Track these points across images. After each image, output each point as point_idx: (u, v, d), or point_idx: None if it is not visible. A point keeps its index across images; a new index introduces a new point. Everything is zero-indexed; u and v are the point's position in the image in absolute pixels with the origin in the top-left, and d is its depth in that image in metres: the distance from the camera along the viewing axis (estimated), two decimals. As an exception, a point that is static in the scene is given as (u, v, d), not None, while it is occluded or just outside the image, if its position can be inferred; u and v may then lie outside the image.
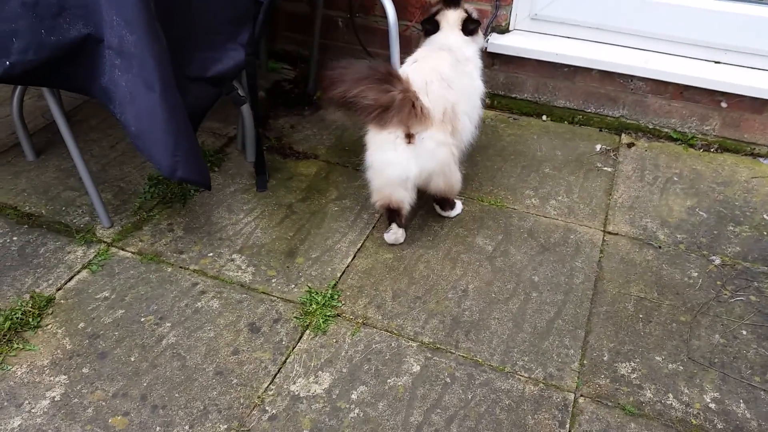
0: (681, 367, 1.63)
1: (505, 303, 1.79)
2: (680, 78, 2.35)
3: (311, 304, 1.77)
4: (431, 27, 1.98)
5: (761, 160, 2.39)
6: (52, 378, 1.57)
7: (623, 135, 2.52)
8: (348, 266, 1.90)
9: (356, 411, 1.51)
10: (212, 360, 1.62)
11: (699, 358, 1.65)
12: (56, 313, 1.73)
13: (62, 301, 1.76)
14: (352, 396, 1.54)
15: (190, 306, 1.76)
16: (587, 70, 2.47)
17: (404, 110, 1.72)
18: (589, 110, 2.57)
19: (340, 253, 1.94)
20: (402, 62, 1.99)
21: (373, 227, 2.04)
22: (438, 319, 1.74)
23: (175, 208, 2.10)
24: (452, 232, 2.03)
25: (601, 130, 2.55)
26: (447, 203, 2.05)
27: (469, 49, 1.98)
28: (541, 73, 2.54)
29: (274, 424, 1.48)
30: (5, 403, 1.51)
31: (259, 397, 1.54)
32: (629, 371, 1.61)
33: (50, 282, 1.82)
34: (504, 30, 2.53)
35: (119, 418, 1.49)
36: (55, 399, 1.52)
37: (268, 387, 1.56)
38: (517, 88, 2.61)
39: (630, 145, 2.46)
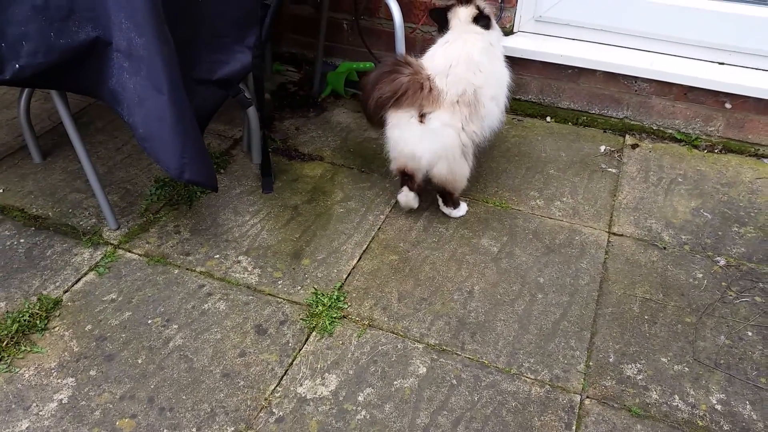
0: (687, 369, 1.63)
1: (511, 304, 1.80)
2: (684, 79, 2.35)
3: (317, 306, 1.77)
4: (441, 23, 1.99)
5: (765, 161, 2.39)
6: (59, 380, 1.57)
7: (627, 136, 2.52)
8: (354, 268, 1.91)
9: (363, 413, 1.51)
10: (219, 362, 1.62)
11: (704, 359, 1.65)
12: (63, 315, 1.74)
13: (69, 304, 1.77)
14: (359, 398, 1.54)
15: (197, 308, 1.77)
16: (591, 72, 2.48)
17: (411, 91, 1.80)
18: (594, 111, 2.57)
19: (345, 255, 1.95)
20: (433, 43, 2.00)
21: (379, 229, 2.05)
22: (444, 320, 1.75)
23: (182, 210, 2.10)
24: (457, 234, 2.04)
25: (605, 132, 2.55)
26: (450, 198, 2.05)
27: (493, 35, 2.00)
28: (545, 75, 2.55)
29: (281, 427, 1.48)
30: (13, 406, 1.51)
31: (266, 399, 1.54)
32: (635, 372, 1.62)
33: (57, 284, 1.82)
34: (508, 32, 2.54)
35: (127, 420, 1.49)
36: (63, 401, 1.53)
37: (275, 389, 1.56)
38: (521, 90, 2.62)
39: (634, 146, 2.46)
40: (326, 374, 1.60)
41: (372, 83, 1.83)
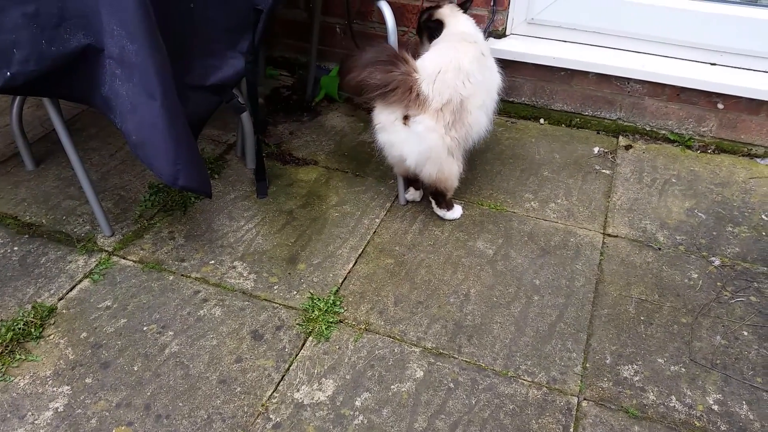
0: (683, 369, 1.63)
1: (507, 307, 1.80)
2: (677, 80, 2.36)
3: (313, 311, 1.77)
4: (434, 26, 2.02)
5: (758, 160, 2.40)
6: (54, 389, 1.56)
7: (621, 137, 2.53)
8: (349, 272, 1.91)
9: (360, 418, 1.51)
10: (215, 368, 1.62)
11: (701, 359, 1.66)
12: (58, 323, 1.73)
13: (64, 311, 1.76)
14: (356, 403, 1.54)
15: (192, 314, 1.76)
16: (584, 74, 2.48)
17: (399, 91, 1.80)
18: (587, 113, 2.58)
19: (341, 259, 1.95)
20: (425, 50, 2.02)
21: (374, 232, 2.04)
22: (440, 324, 1.75)
23: (176, 216, 2.10)
24: (453, 237, 2.04)
25: (598, 133, 2.56)
26: (442, 200, 2.05)
27: (485, 45, 2.02)
28: (538, 77, 2.56)
29: (278, 432, 1.48)
30: (8, 415, 1.50)
31: (263, 405, 1.54)
32: (632, 374, 1.62)
33: (52, 292, 1.81)
34: (501, 35, 2.54)
35: (123, 428, 1.49)
36: (59, 410, 1.52)
37: (271, 395, 1.56)
38: (514, 92, 2.62)
39: (628, 147, 2.47)
40: (323, 379, 1.60)
41: (364, 63, 1.82)
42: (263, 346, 1.68)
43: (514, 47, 2.50)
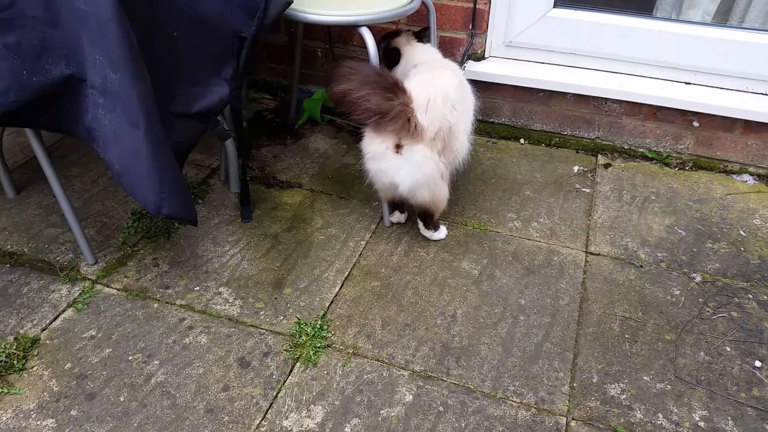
0: (669, 386, 1.65)
1: (494, 327, 1.81)
2: (653, 99, 2.41)
3: (301, 336, 1.76)
4: (394, 56, 2.11)
5: (734, 176, 2.45)
6: (39, 422, 1.54)
7: (600, 156, 2.57)
8: (336, 295, 1.91)
9: (350, 443, 1.51)
10: (202, 397, 1.60)
11: (686, 376, 1.68)
12: (42, 354, 1.70)
13: (48, 342, 1.74)
14: (346, 429, 1.53)
15: (178, 342, 1.75)
16: (562, 94, 2.53)
17: (399, 122, 1.80)
18: (566, 133, 2.62)
19: (327, 283, 1.95)
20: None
21: (360, 255, 2.05)
22: (428, 346, 1.75)
23: (160, 242, 2.09)
24: (438, 257, 2.05)
25: (577, 152, 2.60)
26: (431, 221, 2.06)
27: (461, 74, 2.08)
28: (517, 98, 2.59)
29: (268, 461, 1.47)
30: (-9, 451, 1.48)
31: (252, 434, 1.53)
32: (618, 392, 1.63)
33: (35, 322, 1.79)
34: (480, 57, 2.58)
35: (110, 460, 1.46)
36: (43, 444, 1.49)
37: (260, 423, 1.55)
38: (494, 113, 2.66)
39: (607, 166, 2.51)
40: (312, 406, 1.59)
41: (361, 81, 1.79)
42: (250, 374, 1.67)
43: (492, 69, 2.54)
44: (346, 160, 2.51)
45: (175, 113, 1.76)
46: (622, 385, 1.65)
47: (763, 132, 2.37)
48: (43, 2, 1.53)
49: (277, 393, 1.62)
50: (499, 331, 1.80)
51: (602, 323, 1.82)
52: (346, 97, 1.80)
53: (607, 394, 1.63)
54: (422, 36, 2.17)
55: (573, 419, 1.57)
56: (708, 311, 1.87)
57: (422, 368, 1.69)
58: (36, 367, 1.67)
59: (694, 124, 2.43)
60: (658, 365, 1.71)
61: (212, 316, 1.83)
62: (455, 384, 1.65)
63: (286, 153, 2.55)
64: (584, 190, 2.37)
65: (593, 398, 1.62)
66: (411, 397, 1.61)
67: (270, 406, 1.59)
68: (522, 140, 2.66)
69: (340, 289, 1.93)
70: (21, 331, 1.76)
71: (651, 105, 2.44)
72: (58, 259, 2.00)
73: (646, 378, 1.67)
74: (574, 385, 1.65)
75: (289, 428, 1.53)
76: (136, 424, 1.53)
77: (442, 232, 2.11)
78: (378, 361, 1.71)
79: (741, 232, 2.17)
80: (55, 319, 1.80)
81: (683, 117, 2.43)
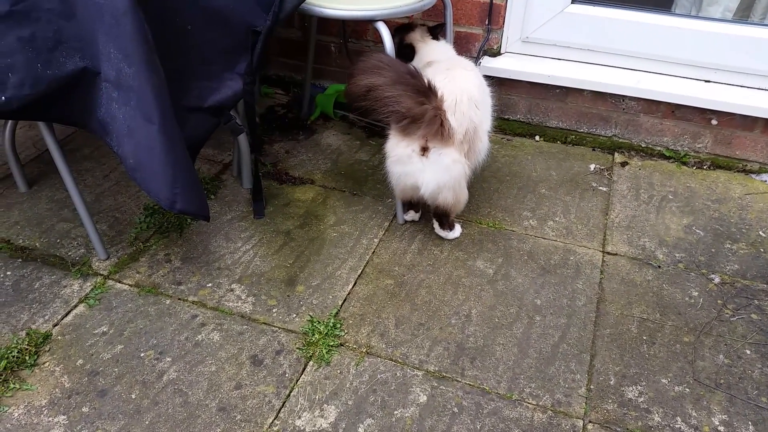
0: (687, 390, 1.62)
1: (509, 328, 1.78)
2: (671, 97, 2.38)
3: (313, 334, 1.75)
4: (407, 53, 2.07)
5: (753, 176, 2.41)
6: (50, 418, 1.53)
7: (616, 154, 2.54)
8: (349, 293, 1.89)
9: (364, 444, 1.49)
10: (215, 395, 1.59)
11: (705, 379, 1.65)
12: (53, 350, 1.69)
13: (59, 338, 1.73)
14: (359, 429, 1.52)
15: (190, 339, 1.73)
16: (579, 91, 2.49)
17: (432, 127, 1.76)
18: (582, 130, 2.59)
19: (340, 280, 1.93)
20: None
21: (373, 252, 2.03)
22: (442, 346, 1.73)
23: (172, 238, 2.07)
24: (452, 256, 2.03)
25: (594, 150, 2.56)
26: (447, 221, 2.04)
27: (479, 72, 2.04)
28: (533, 95, 2.56)
29: (281, 460, 1.45)
30: (3, 446, 1.47)
31: (264, 433, 1.51)
32: (636, 395, 1.61)
33: (46, 318, 1.78)
34: (496, 53, 2.55)
35: (122, 458, 1.45)
36: (55, 440, 1.48)
37: (272, 422, 1.53)
38: (509, 110, 2.63)
39: (624, 164, 2.48)
40: (325, 405, 1.57)
41: (393, 79, 1.72)
42: (263, 372, 1.65)
43: (509, 65, 2.51)
44: (359, 157, 2.48)
45: (188, 107, 1.74)
46: (639, 387, 1.62)
47: (784, 131, 2.33)
48: (58, -6, 1.51)
49: (290, 392, 1.60)
50: (514, 332, 1.77)
51: (619, 324, 1.80)
52: (373, 92, 1.74)
53: (625, 396, 1.60)
54: (437, 32, 2.14)
55: (590, 422, 1.54)
56: (727, 313, 1.84)
57: (436, 368, 1.66)
58: (48, 363, 1.66)
59: (712, 123, 2.40)
60: (676, 368, 1.68)
61: (225, 313, 1.81)
62: (470, 385, 1.62)
63: (298, 149, 2.53)
64: (601, 188, 2.34)
65: (610, 401, 1.59)
66: (425, 397, 1.59)
67: (283, 405, 1.57)
68: (537, 137, 2.63)
69: (353, 287, 1.91)
70: (33, 327, 1.75)
71: (669, 103, 2.40)
72: (69, 254, 1.99)
73: (664, 380, 1.64)
74: (591, 387, 1.62)
75: (302, 428, 1.52)
76: (147, 422, 1.52)
77: (456, 231, 2.09)
78: (391, 360, 1.69)
79: (761, 232, 2.13)
80: (66, 314, 1.79)
81: (702, 115, 2.39)
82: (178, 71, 1.70)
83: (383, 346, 1.72)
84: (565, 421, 1.54)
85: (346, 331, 1.77)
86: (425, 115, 1.74)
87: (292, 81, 2.90)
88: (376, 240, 2.08)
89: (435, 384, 1.62)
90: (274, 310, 1.83)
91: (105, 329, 1.76)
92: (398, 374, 1.65)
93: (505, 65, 2.51)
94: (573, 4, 2.42)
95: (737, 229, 2.15)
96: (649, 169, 2.44)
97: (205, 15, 1.72)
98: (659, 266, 2.00)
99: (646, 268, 1.99)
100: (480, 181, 2.34)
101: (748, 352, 1.72)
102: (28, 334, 1.72)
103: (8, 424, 1.51)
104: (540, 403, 1.58)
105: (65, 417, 1.53)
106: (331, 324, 1.77)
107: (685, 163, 2.47)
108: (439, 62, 2.01)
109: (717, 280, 1.95)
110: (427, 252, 2.04)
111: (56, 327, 1.76)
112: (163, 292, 1.88)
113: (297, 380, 1.63)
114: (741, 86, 2.37)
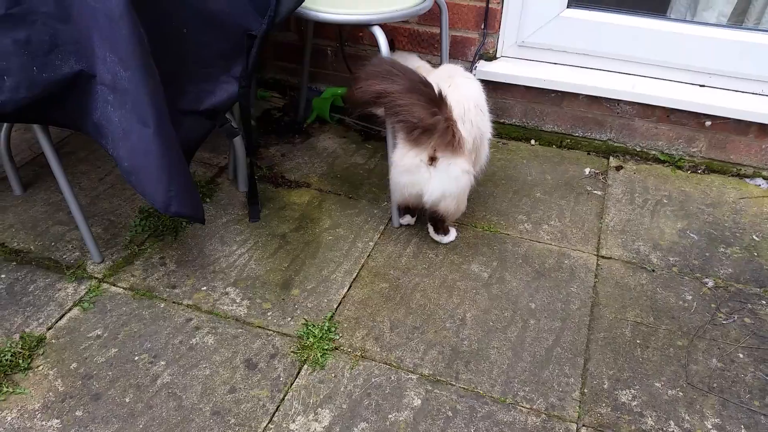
0: (680, 393, 1.63)
1: (504, 331, 1.79)
2: (666, 101, 2.38)
3: (308, 338, 1.75)
4: None
5: (747, 180, 2.42)
6: (44, 422, 1.52)
7: (611, 158, 2.54)
8: (344, 297, 1.89)
9: (358, 448, 1.49)
10: (209, 399, 1.59)
11: (698, 383, 1.65)
12: (47, 353, 1.69)
13: (53, 341, 1.72)
14: (354, 432, 1.52)
15: (184, 343, 1.73)
16: (574, 95, 2.50)
17: (445, 137, 1.75)
18: (577, 134, 2.59)
19: (335, 284, 1.93)
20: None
21: (368, 256, 2.03)
22: (437, 349, 1.73)
23: (167, 241, 2.07)
24: (447, 260, 2.03)
25: (589, 154, 2.57)
26: (442, 226, 2.04)
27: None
28: (528, 99, 2.57)
29: (274, 464, 1.45)
30: (-4, 450, 1.46)
31: (258, 436, 1.51)
32: (630, 398, 1.61)
33: (41, 321, 1.78)
34: (491, 57, 2.56)
35: (115, 462, 1.45)
36: (49, 444, 1.48)
37: (266, 426, 1.53)
38: (505, 114, 2.63)
39: (618, 168, 2.48)
40: (319, 409, 1.57)
41: (407, 87, 1.68)
42: (257, 376, 1.65)
43: (504, 69, 2.51)
44: (355, 160, 2.49)
45: (184, 110, 1.74)
46: (633, 391, 1.63)
47: (777, 135, 2.34)
48: (54, -2, 1.51)
49: (284, 396, 1.60)
50: (509, 335, 1.77)
51: (613, 328, 1.80)
52: (384, 98, 1.71)
53: (618, 400, 1.61)
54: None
55: (583, 425, 1.55)
56: (720, 317, 1.84)
57: (431, 372, 1.67)
58: (41, 367, 1.66)
59: (707, 127, 2.40)
60: (669, 371, 1.68)
61: (219, 317, 1.81)
62: (464, 389, 1.63)
63: (294, 152, 2.54)
64: (596, 192, 2.35)
65: (604, 404, 1.59)
66: (419, 401, 1.59)
67: (277, 408, 1.57)
68: (533, 141, 2.63)
69: (348, 290, 1.91)
70: (27, 330, 1.75)
71: (664, 107, 2.41)
72: (64, 257, 1.99)
73: (657, 384, 1.65)
74: (585, 390, 1.63)
75: None
76: (141, 426, 1.52)
77: (451, 235, 2.09)
78: (386, 364, 1.69)
79: (754, 236, 2.14)
80: (61, 317, 1.79)
81: (697, 119, 2.40)
82: (174, 74, 1.70)
83: (378, 349, 1.73)
84: (559, 424, 1.55)
85: (340, 334, 1.77)
86: (437, 125, 1.73)
87: (288, 84, 2.91)
88: (371, 243, 2.08)
89: (429, 388, 1.63)
90: (268, 314, 1.83)
91: (99, 333, 1.75)
92: (393, 378, 1.65)
93: (500, 69, 2.52)
94: (568, 9, 2.43)
95: (731, 233, 2.16)
96: (643, 173, 2.45)
97: (201, 18, 1.72)
98: (653, 270, 2.00)
99: (640, 271, 2.00)
100: (475, 185, 2.34)
101: (741, 355, 1.73)
102: (21, 337, 1.72)
103: (1, 428, 1.51)
104: (534, 407, 1.58)
105: (59, 421, 1.53)
106: (326, 327, 1.78)
107: (679, 167, 2.48)
108: (436, 70, 2.01)
109: (711, 284, 1.95)
110: (422, 255, 2.04)
111: (50, 330, 1.75)
112: (157, 295, 1.87)
113: (291, 384, 1.63)
114: (736, 91, 2.38)
